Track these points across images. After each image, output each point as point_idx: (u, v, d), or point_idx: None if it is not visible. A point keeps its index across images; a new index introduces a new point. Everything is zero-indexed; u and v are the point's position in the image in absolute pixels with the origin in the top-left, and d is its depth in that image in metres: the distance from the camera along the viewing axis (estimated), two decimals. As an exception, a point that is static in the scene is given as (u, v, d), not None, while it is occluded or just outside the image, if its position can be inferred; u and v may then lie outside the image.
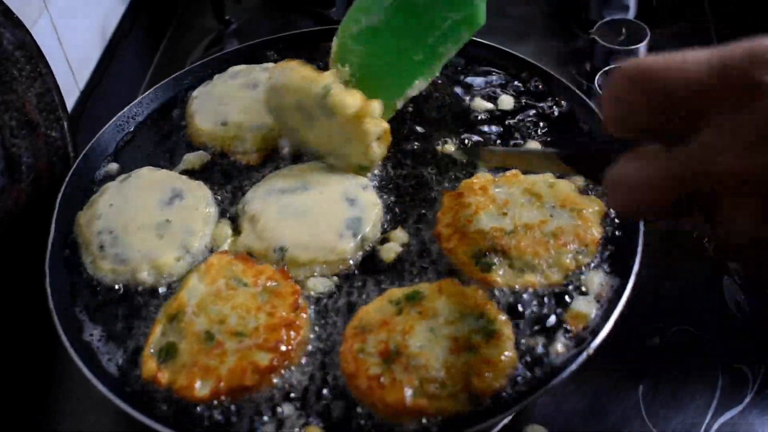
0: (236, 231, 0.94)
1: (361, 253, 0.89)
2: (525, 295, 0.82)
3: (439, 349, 0.75)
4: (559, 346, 0.78)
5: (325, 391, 0.77)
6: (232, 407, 0.76)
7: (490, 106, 1.07)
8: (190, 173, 1.02)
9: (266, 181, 0.98)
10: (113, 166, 1.05)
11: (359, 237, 0.89)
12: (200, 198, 0.96)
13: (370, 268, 0.88)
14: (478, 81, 1.11)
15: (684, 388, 0.92)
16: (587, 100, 1.02)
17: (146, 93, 1.13)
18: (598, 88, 1.24)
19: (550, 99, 1.06)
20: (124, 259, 0.89)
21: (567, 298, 0.81)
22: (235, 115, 1.05)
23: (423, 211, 0.94)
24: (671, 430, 0.88)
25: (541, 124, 1.03)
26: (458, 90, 1.10)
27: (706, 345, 0.96)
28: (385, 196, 0.96)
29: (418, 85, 0.97)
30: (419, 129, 1.05)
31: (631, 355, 0.95)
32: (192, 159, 1.04)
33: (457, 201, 0.90)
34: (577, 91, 1.03)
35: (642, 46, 1.31)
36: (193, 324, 0.80)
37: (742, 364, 0.94)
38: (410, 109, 1.07)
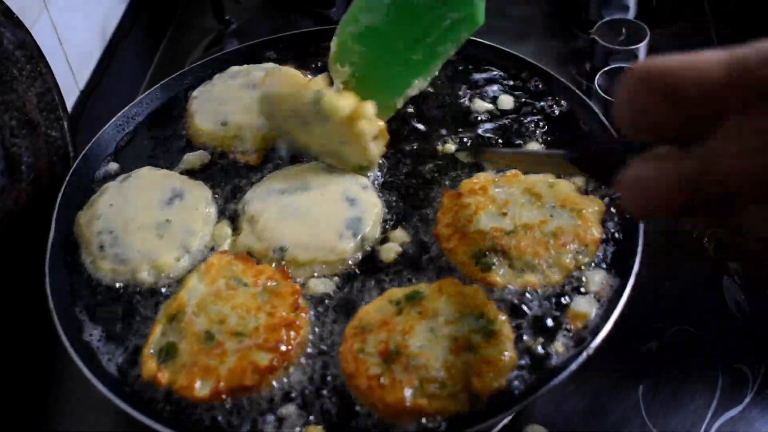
0: (236, 231, 0.94)
1: (361, 253, 0.89)
2: (525, 295, 0.82)
3: (439, 349, 0.75)
4: (559, 346, 0.78)
5: (325, 391, 0.77)
6: (233, 407, 0.76)
7: (490, 105, 1.07)
8: (190, 173, 1.02)
9: (266, 181, 0.98)
10: (113, 166, 1.05)
11: (359, 237, 0.89)
12: (200, 198, 0.96)
13: (370, 268, 0.88)
14: (478, 81, 1.11)
15: (684, 388, 0.92)
16: (587, 100, 1.02)
17: (146, 93, 1.13)
18: (598, 88, 1.23)
19: (550, 99, 1.06)
20: (124, 259, 0.89)
21: (567, 298, 0.81)
22: (235, 115, 1.05)
23: (423, 211, 0.94)
24: (671, 430, 0.88)
25: (541, 124, 1.03)
26: (458, 90, 1.10)
27: (706, 345, 0.96)
28: (385, 196, 0.96)
29: (418, 85, 0.97)
30: (419, 129, 1.05)
31: (631, 355, 0.95)
32: (192, 159, 1.03)
33: (457, 201, 0.90)
34: (577, 91, 1.03)
35: (642, 46, 1.31)
36: (193, 324, 0.80)
37: (742, 364, 0.94)
38: (410, 109, 1.07)
